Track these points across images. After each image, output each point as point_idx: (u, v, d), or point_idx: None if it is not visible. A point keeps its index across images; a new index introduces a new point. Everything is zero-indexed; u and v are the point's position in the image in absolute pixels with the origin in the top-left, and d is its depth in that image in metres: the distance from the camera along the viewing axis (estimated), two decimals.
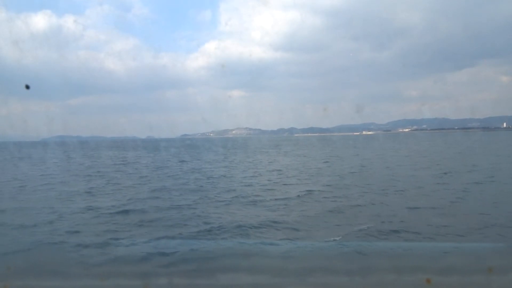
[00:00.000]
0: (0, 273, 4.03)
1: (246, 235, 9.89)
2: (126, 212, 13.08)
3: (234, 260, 5.37)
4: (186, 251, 6.87)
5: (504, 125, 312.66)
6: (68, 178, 25.29)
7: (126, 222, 11.69)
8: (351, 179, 21.62)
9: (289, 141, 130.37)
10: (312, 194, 16.28)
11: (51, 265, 5.77)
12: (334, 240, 8.75)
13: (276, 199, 15.22)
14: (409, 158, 39.67)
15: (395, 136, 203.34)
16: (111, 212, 13.03)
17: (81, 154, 59.46)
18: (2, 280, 3.40)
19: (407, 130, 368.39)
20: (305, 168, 30.25)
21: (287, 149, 65.95)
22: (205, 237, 9.70)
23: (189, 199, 15.36)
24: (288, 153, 55.35)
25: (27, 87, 5.37)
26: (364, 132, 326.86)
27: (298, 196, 15.84)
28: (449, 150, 50.88)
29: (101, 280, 3.63)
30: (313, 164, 34.46)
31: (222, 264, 5.02)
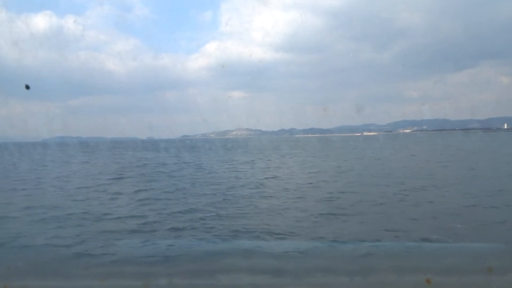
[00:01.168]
0: (0, 273, 4.03)
1: None
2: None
3: (234, 260, 5.38)
4: (186, 251, 6.88)
5: (505, 126, 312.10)
6: (149, 180, 24.33)
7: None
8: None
9: (299, 142, 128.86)
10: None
11: (51, 265, 5.78)
12: (334, 240, 8.75)
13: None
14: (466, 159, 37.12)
15: (398, 137, 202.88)
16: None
17: (102, 155, 59.12)
18: (2, 280, 3.40)
19: (408, 131, 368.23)
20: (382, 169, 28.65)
21: (315, 151, 63.60)
22: (205, 237, 9.71)
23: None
24: (323, 155, 53.60)
25: (27, 87, 5.38)
26: (365, 133, 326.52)
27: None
28: (478, 150, 51.27)
29: (101, 280, 3.63)
30: (383, 166, 31.75)
31: (222, 264, 5.03)
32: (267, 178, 24.63)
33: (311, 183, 21.30)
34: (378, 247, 6.66)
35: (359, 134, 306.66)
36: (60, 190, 20.31)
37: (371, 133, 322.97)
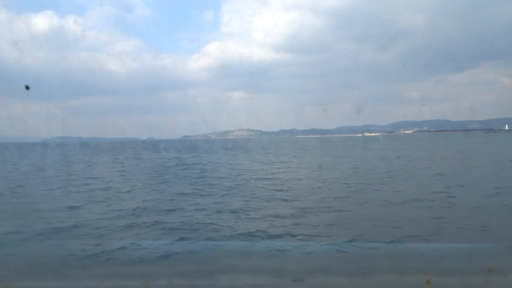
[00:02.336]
0: (0, 274, 4.03)
1: None
2: None
3: (234, 261, 5.37)
4: (185, 252, 6.89)
5: (506, 127, 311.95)
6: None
7: None
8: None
9: (307, 144, 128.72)
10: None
11: (51, 266, 5.77)
12: (334, 240, 8.75)
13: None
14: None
15: (401, 137, 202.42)
16: None
17: (123, 156, 58.22)
18: (2, 281, 3.40)
19: (410, 131, 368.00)
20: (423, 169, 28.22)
21: (333, 152, 62.83)
22: (205, 237, 9.72)
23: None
24: (343, 156, 53.08)
25: (27, 87, 5.39)
26: (366, 134, 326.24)
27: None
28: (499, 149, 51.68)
29: (100, 281, 3.63)
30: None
31: (222, 264, 5.02)
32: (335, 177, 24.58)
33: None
34: (378, 248, 6.66)
35: (361, 135, 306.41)
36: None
37: (372, 134, 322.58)
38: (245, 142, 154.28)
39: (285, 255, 5.94)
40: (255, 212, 13.31)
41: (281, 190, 19.00)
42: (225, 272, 4.24)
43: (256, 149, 78.48)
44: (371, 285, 3.65)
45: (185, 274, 4.35)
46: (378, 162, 36.61)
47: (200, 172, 29.77)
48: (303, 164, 36.77)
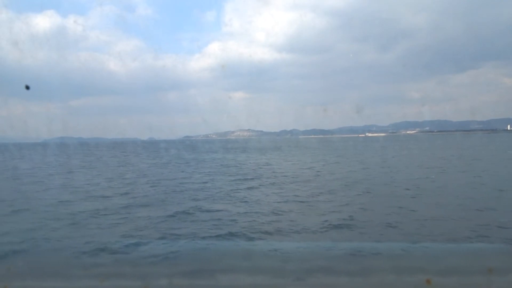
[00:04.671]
0: (0, 274, 4.04)
1: None
2: None
3: (234, 261, 5.37)
4: (186, 252, 6.88)
5: (508, 127, 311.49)
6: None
7: None
8: None
9: (313, 144, 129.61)
10: None
11: (51, 266, 5.78)
12: (334, 240, 8.76)
13: None
14: None
15: (406, 138, 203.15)
16: None
17: (168, 157, 58.87)
18: (2, 281, 3.41)
19: (412, 132, 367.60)
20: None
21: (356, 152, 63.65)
22: (205, 237, 9.75)
23: None
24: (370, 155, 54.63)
25: (27, 87, 5.38)
26: (368, 134, 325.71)
27: None
28: None
29: (101, 281, 3.63)
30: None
31: (222, 264, 5.02)
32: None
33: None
34: (378, 247, 6.65)
35: (363, 135, 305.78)
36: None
37: (375, 134, 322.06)
38: (253, 142, 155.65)
39: (285, 255, 5.93)
40: None
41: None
42: (226, 272, 4.24)
43: (273, 149, 79.95)
44: (371, 285, 3.65)
45: (185, 274, 4.35)
46: (456, 161, 37.47)
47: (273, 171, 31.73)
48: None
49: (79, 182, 26.60)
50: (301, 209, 15.66)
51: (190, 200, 18.17)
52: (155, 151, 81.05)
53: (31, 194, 19.29)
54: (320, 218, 13.91)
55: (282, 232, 11.93)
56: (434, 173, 27.77)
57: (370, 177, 27.38)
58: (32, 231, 11.92)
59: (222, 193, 20.71)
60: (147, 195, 20.53)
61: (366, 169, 33.58)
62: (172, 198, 18.98)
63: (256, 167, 37.07)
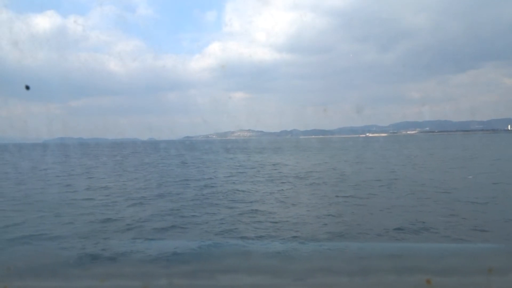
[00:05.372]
0: (0, 274, 4.03)
1: None
2: None
3: (234, 261, 5.37)
4: (186, 252, 6.88)
5: (509, 127, 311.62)
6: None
7: None
8: None
9: (321, 143, 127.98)
10: None
11: (51, 266, 5.77)
12: (334, 240, 8.75)
13: None
14: None
15: (408, 138, 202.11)
16: None
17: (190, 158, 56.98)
18: (2, 280, 3.41)
19: (413, 132, 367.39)
20: None
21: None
22: (205, 237, 9.74)
23: None
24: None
25: (27, 88, 5.39)
26: (369, 134, 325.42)
27: None
28: None
29: (101, 281, 3.63)
30: None
31: (222, 264, 5.02)
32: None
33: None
34: (378, 247, 6.66)
35: (364, 136, 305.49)
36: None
37: (375, 135, 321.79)
38: (256, 143, 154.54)
39: (285, 255, 5.93)
40: None
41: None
42: (225, 272, 4.24)
43: (282, 149, 79.36)
44: (371, 285, 3.64)
45: (185, 274, 4.35)
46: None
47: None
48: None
49: (117, 183, 25.63)
50: (372, 212, 14.93)
51: (243, 203, 17.20)
52: (164, 152, 79.83)
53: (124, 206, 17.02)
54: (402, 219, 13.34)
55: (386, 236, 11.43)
56: (471, 173, 27.19)
57: (407, 176, 26.57)
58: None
59: (269, 195, 19.72)
60: (197, 196, 19.51)
61: (395, 169, 32.03)
62: (225, 200, 17.98)
63: (280, 168, 35.46)
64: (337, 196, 18.55)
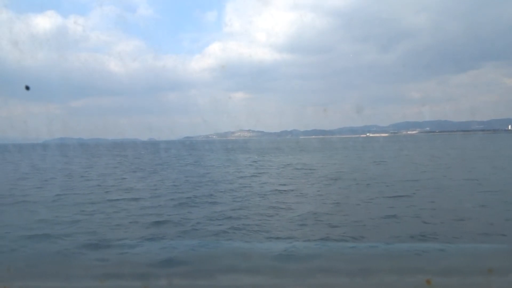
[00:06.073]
0: (0, 274, 4.04)
1: None
2: None
3: (234, 261, 5.37)
4: (186, 252, 6.88)
5: (509, 127, 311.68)
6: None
7: None
8: None
9: (320, 144, 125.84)
10: None
11: (51, 266, 5.78)
12: (334, 240, 8.75)
13: None
14: None
15: (408, 138, 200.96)
16: None
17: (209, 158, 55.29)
18: (2, 281, 3.41)
19: (414, 132, 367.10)
20: None
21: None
22: (205, 237, 9.72)
23: None
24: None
25: (27, 88, 5.39)
26: (369, 134, 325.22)
27: None
28: None
29: (101, 281, 3.63)
30: None
31: (222, 264, 5.02)
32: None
33: None
34: (378, 248, 6.66)
35: (364, 136, 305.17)
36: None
37: (376, 135, 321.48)
38: (260, 143, 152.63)
39: (285, 255, 5.93)
40: None
41: None
42: (225, 272, 4.24)
43: (288, 150, 78.42)
44: (371, 285, 3.65)
45: (185, 274, 4.36)
46: None
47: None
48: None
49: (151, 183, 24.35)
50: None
51: (301, 204, 16.06)
52: (174, 151, 78.83)
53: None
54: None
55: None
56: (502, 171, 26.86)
57: (442, 176, 25.70)
58: None
59: (323, 196, 18.69)
60: (240, 198, 18.19)
61: (426, 169, 30.73)
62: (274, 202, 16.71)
63: (305, 167, 34.31)
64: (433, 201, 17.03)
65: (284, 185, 22.77)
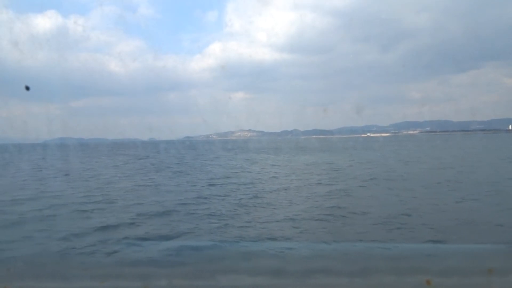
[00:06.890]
0: (0, 274, 4.04)
1: None
2: None
3: (234, 261, 5.37)
4: (186, 252, 6.89)
5: (510, 127, 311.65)
6: None
7: None
8: None
9: (327, 143, 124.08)
10: None
11: (51, 266, 5.79)
12: (334, 240, 8.74)
13: None
14: None
15: (409, 138, 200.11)
16: None
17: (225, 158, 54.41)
18: (2, 281, 3.41)
19: (415, 132, 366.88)
20: None
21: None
22: (205, 237, 9.71)
23: None
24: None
25: (27, 88, 5.39)
26: (370, 134, 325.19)
27: None
28: None
29: (101, 281, 3.63)
30: None
31: (222, 264, 5.02)
32: None
33: None
34: (378, 248, 6.66)
35: (365, 135, 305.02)
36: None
37: (376, 134, 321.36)
38: (262, 143, 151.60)
39: (285, 255, 5.94)
40: None
41: None
42: (226, 272, 4.24)
43: (300, 149, 77.67)
44: (371, 285, 3.64)
45: (185, 274, 4.35)
46: None
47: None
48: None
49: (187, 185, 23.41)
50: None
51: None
52: (182, 150, 77.96)
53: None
54: None
55: None
56: None
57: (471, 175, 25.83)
58: None
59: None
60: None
61: (449, 168, 30.54)
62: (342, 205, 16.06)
63: (331, 167, 34.12)
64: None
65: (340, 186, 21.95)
